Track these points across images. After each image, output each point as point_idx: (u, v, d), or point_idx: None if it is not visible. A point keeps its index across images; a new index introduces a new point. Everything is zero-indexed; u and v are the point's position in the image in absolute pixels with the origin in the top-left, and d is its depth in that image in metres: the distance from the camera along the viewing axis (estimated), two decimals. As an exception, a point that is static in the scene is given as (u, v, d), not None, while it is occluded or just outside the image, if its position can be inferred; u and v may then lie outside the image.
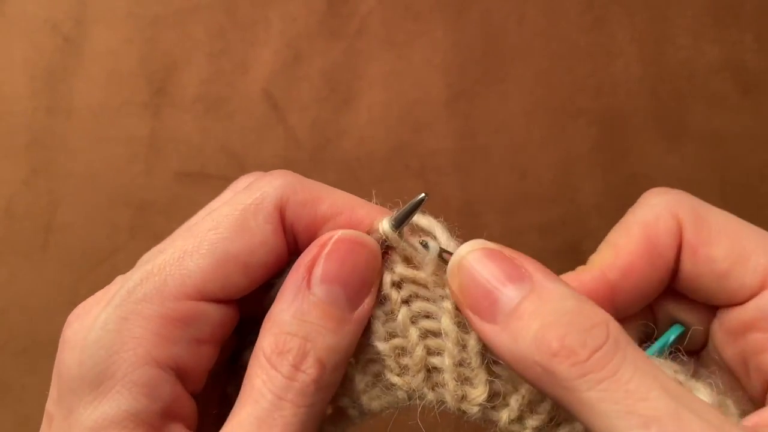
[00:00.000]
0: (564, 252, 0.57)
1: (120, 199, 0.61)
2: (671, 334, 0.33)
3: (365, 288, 0.31)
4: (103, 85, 0.62)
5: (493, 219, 0.59)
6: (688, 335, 0.34)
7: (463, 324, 0.31)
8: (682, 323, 0.34)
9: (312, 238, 0.31)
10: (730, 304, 0.32)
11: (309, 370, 0.29)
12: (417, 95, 0.62)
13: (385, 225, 0.31)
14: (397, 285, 0.31)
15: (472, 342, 0.31)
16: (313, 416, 0.29)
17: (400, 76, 0.62)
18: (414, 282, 0.31)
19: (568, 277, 0.33)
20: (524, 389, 0.31)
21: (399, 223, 0.31)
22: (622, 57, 0.62)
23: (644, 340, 0.35)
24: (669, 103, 0.62)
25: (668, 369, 0.30)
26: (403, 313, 0.31)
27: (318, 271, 0.30)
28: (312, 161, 0.62)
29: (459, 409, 0.32)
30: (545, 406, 0.31)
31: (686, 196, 0.33)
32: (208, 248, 0.29)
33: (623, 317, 0.33)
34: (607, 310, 0.30)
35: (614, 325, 0.28)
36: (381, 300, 0.32)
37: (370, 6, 0.63)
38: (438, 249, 0.31)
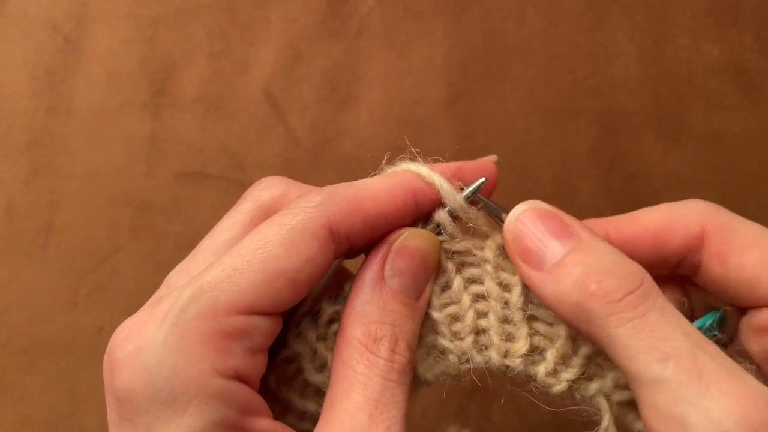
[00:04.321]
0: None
1: (120, 199, 0.61)
2: (708, 319, 0.35)
3: (428, 277, 0.35)
4: (103, 86, 0.62)
5: (492, 219, 0.59)
6: (725, 323, 0.36)
7: (504, 284, 0.35)
8: (718, 309, 0.36)
9: (368, 240, 0.35)
10: (758, 305, 0.34)
11: (404, 353, 0.33)
12: (417, 95, 0.62)
13: (443, 216, 0.35)
14: (451, 256, 0.36)
15: (513, 298, 0.35)
16: (408, 394, 0.33)
17: (400, 76, 0.63)
18: (459, 252, 0.36)
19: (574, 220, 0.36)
20: (558, 343, 0.35)
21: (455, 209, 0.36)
22: (621, 57, 0.62)
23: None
24: (668, 104, 0.62)
25: None
26: (457, 282, 0.36)
27: (390, 266, 0.34)
28: (312, 161, 0.62)
29: (503, 365, 0.35)
30: (577, 360, 0.34)
31: (724, 212, 0.36)
32: (257, 266, 0.31)
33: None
34: None
35: (648, 278, 0.31)
36: (437, 275, 0.36)
37: (370, 6, 0.63)
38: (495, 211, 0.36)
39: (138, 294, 0.61)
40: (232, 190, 0.61)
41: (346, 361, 0.32)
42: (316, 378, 0.35)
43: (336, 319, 0.35)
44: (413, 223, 0.36)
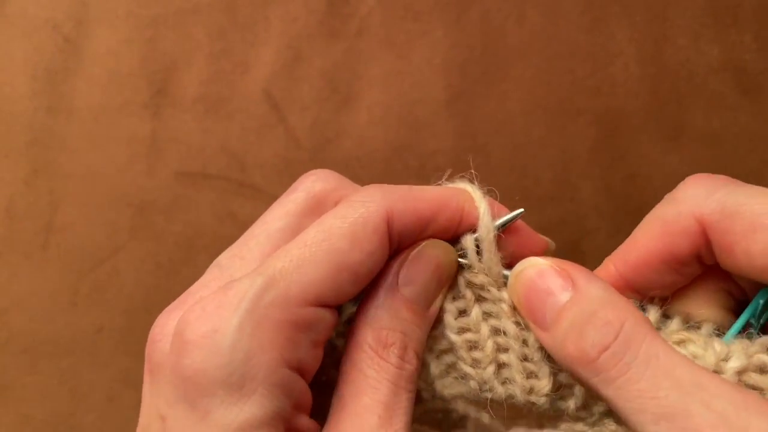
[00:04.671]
0: (563, 252, 0.57)
1: (120, 199, 0.61)
2: (760, 299, 0.33)
3: (440, 286, 0.35)
4: (103, 86, 0.62)
5: (492, 219, 0.59)
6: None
7: (522, 324, 0.35)
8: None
9: (414, 238, 0.35)
10: None
11: (412, 361, 0.33)
12: (417, 95, 0.62)
13: (469, 241, 0.35)
14: (470, 285, 0.36)
15: (531, 339, 0.34)
16: (413, 402, 0.33)
17: (400, 76, 0.63)
18: (476, 284, 0.36)
19: None
20: None
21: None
22: (621, 57, 0.62)
23: (736, 308, 0.35)
24: (668, 103, 0.62)
25: (756, 346, 0.31)
26: (476, 311, 0.35)
27: (404, 273, 0.34)
28: (312, 161, 0.62)
29: (528, 401, 0.35)
30: None
31: (720, 188, 0.32)
32: (323, 258, 0.32)
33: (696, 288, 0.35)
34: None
35: (630, 322, 0.29)
36: (455, 296, 0.36)
37: (370, 6, 0.63)
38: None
39: (138, 294, 0.61)
40: (232, 191, 0.61)
41: (356, 363, 0.33)
42: (335, 374, 0.35)
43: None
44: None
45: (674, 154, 0.62)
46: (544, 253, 0.37)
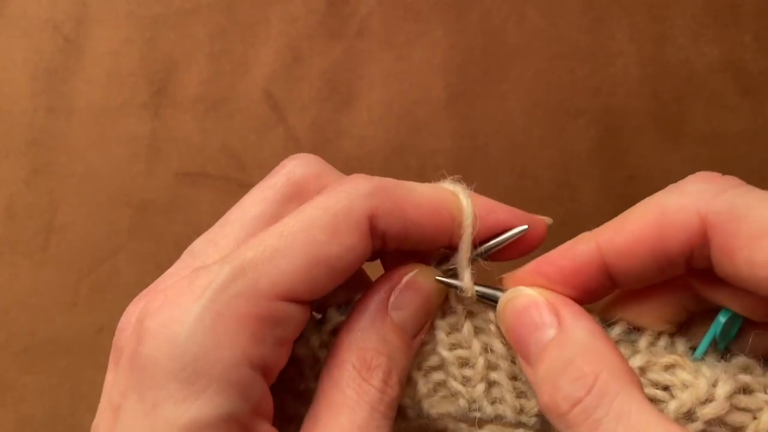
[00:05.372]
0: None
1: (120, 199, 0.61)
2: (722, 318, 0.32)
3: (428, 317, 0.34)
4: (103, 86, 0.62)
5: (492, 219, 0.59)
6: (734, 323, 0.32)
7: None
8: (728, 309, 0.32)
9: (398, 246, 0.33)
10: None
11: (395, 387, 0.31)
12: (417, 95, 0.62)
13: (467, 282, 0.34)
14: (461, 301, 0.34)
15: (519, 358, 0.33)
16: (391, 429, 0.31)
17: (400, 76, 0.63)
18: (468, 302, 0.35)
19: (565, 245, 0.33)
20: None
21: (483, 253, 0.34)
22: (621, 57, 0.62)
23: (686, 322, 0.34)
24: (668, 104, 0.62)
25: (734, 367, 0.31)
26: (467, 327, 0.34)
27: (395, 298, 0.33)
28: (312, 161, 0.62)
29: (518, 421, 0.34)
30: None
31: (729, 191, 0.30)
32: (299, 249, 0.29)
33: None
34: (600, 285, 0.32)
35: (605, 376, 0.28)
36: (446, 312, 0.35)
37: (370, 6, 0.63)
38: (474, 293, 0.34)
39: (138, 294, 0.61)
40: (232, 190, 0.61)
41: (336, 381, 0.31)
42: (314, 385, 0.33)
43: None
44: (431, 256, 0.35)
45: (674, 154, 0.62)
46: (543, 231, 0.35)
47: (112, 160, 0.62)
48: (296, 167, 0.34)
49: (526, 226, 0.34)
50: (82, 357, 0.60)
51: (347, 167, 0.63)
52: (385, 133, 0.62)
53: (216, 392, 0.27)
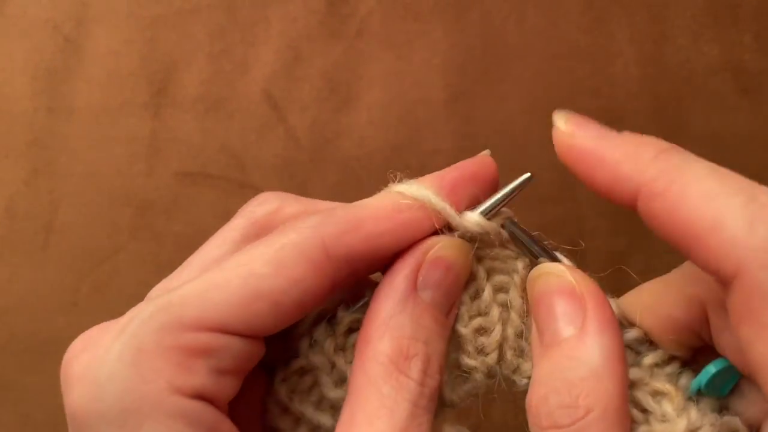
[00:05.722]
0: (564, 252, 0.57)
1: (120, 199, 0.61)
2: (704, 376, 0.31)
3: (459, 292, 0.32)
4: (103, 86, 0.62)
5: (492, 219, 0.59)
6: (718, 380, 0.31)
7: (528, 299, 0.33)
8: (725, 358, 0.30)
9: (376, 260, 0.31)
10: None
11: (435, 376, 0.29)
12: (417, 95, 0.62)
13: (476, 219, 0.32)
14: (480, 261, 0.33)
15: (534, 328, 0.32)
16: (432, 421, 0.29)
17: (400, 76, 0.63)
18: (490, 257, 0.33)
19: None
20: None
21: (490, 211, 0.33)
22: (621, 57, 0.62)
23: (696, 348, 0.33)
24: (668, 104, 0.62)
25: (721, 425, 0.30)
26: (488, 291, 0.33)
27: (423, 277, 0.31)
28: (312, 161, 0.62)
29: (510, 379, 0.33)
30: None
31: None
32: (237, 283, 0.29)
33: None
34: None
35: (596, 414, 0.27)
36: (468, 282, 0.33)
37: (370, 6, 0.63)
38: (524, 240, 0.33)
39: (138, 294, 0.60)
40: (232, 190, 0.61)
41: (371, 378, 0.29)
42: (335, 393, 0.32)
43: (355, 328, 0.32)
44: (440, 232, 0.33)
45: (674, 154, 0.62)
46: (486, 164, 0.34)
47: (112, 160, 0.62)
48: (256, 208, 0.34)
49: (529, 174, 0.34)
50: (82, 357, 0.60)
51: (347, 167, 0.63)
52: (385, 133, 0.62)
53: (153, 426, 0.27)
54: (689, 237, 0.27)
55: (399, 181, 0.33)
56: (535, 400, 0.28)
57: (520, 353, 0.33)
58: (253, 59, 0.62)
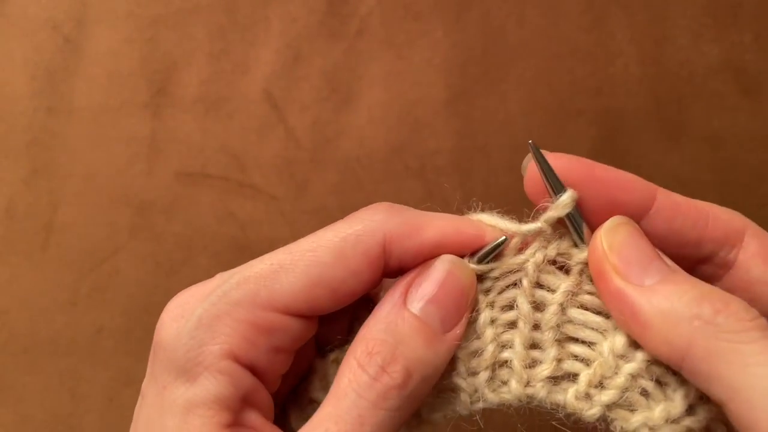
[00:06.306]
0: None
1: (120, 199, 0.61)
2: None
3: (459, 313, 0.33)
4: (103, 86, 0.62)
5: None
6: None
7: (538, 303, 0.34)
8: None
9: (416, 264, 0.34)
10: None
11: (394, 375, 0.30)
12: (417, 95, 0.62)
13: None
14: (483, 291, 0.34)
15: (546, 317, 0.33)
16: (392, 424, 0.30)
17: (400, 76, 0.63)
18: (497, 277, 0.34)
19: None
20: (597, 364, 0.31)
21: (485, 257, 0.34)
22: (621, 57, 0.62)
23: None
24: (668, 104, 0.62)
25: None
26: (484, 315, 0.34)
27: (415, 290, 0.33)
28: (312, 161, 0.62)
29: (524, 395, 0.33)
30: (618, 380, 0.31)
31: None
32: (303, 268, 0.32)
33: None
34: None
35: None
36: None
37: (370, 6, 0.63)
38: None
39: (138, 294, 0.61)
40: (232, 190, 0.61)
41: (342, 370, 0.31)
42: (322, 396, 0.33)
43: None
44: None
45: (674, 154, 0.62)
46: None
47: (112, 160, 0.62)
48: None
49: (504, 237, 0.35)
50: (82, 357, 0.60)
51: (347, 167, 0.63)
52: (385, 133, 0.62)
53: (208, 378, 0.31)
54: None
55: (479, 210, 0.36)
56: (718, 303, 0.29)
57: (532, 363, 0.33)
58: (253, 59, 0.62)
